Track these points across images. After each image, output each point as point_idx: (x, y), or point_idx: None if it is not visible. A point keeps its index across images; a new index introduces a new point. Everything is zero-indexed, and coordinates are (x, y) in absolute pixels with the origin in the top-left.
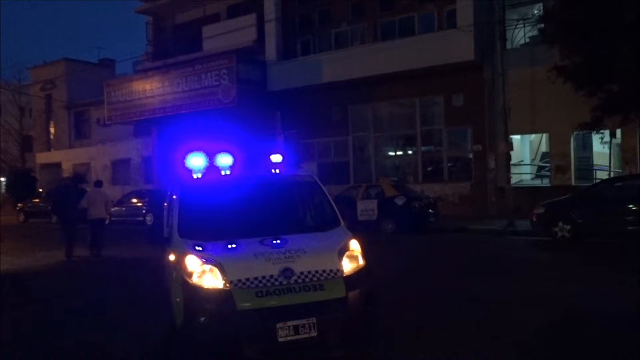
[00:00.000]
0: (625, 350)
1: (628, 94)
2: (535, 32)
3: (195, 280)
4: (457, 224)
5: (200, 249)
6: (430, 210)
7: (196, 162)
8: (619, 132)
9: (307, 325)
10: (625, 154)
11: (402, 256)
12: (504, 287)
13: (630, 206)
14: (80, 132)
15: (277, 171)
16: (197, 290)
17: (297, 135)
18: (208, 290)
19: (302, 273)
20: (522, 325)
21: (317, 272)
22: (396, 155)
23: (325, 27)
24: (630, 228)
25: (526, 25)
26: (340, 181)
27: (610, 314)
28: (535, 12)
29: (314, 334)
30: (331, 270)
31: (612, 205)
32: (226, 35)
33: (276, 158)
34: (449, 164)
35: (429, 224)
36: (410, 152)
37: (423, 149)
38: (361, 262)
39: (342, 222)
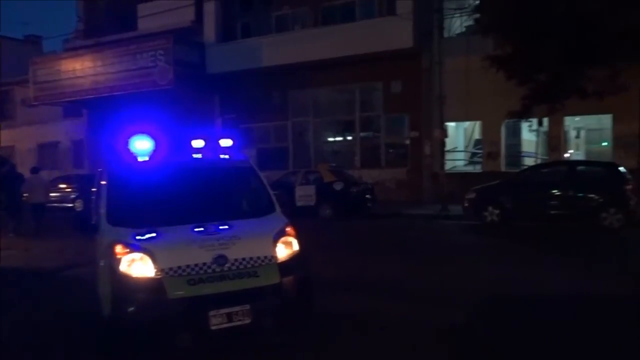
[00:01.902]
0: (556, 332)
1: (554, 84)
2: (471, 22)
3: (123, 268)
4: (393, 209)
5: (130, 236)
6: (368, 196)
7: (141, 145)
8: (545, 120)
9: (240, 312)
10: (551, 141)
11: (338, 241)
12: (435, 270)
13: (554, 191)
14: (2, 113)
15: (225, 156)
16: (125, 279)
17: (236, 120)
18: (137, 279)
19: (235, 260)
20: (454, 307)
21: (251, 258)
22: (335, 140)
23: (266, 9)
24: (553, 212)
25: (462, 14)
26: (279, 166)
27: (538, 296)
28: (471, 1)
29: (247, 320)
30: (265, 257)
31: (537, 190)
32: (162, 15)
33: (198, 143)
34: (387, 150)
35: (366, 209)
36: (349, 138)
37: (361, 134)
38: (296, 247)
39: (278, 208)
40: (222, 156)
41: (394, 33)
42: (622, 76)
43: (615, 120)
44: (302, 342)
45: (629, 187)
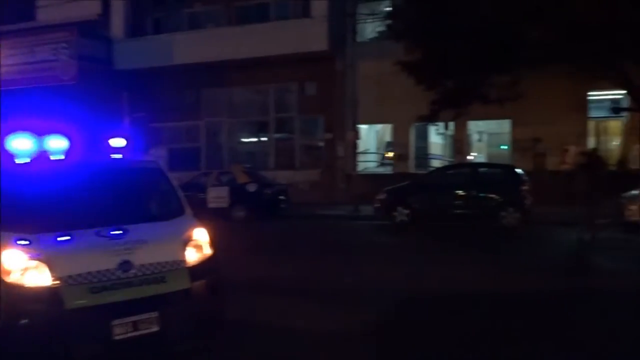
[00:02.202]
0: (468, 326)
1: (460, 90)
2: (383, 27)
3: (14, 278)
4: (307, 210)
5: (24, 242)
6: (282, 197)
7: (21, 144)
8: (452, 124)
9: (147, 320)
10: (456, 144)
11: (252, 243)
12: (348, 270)
13: (458, 192)
14: None
15: (120, 156)
16: (16, 289)
17: (146, 118)
18: (30, 288)
19: (142, 265)
20: (367, 306)
21: (158, 263)
22: (249, 141)
23: (177, 5)
24: (458, 211)
25: (375, 20)
26: (191, 167)
27: (447, 292)
28: (384, 8)
29: (155, 328)
30: (174, 261)
31: (443, 191)
32: (65, 6)
33: (118, 142)
34: (302, 151)
35: (280, 210)
36: (263, 139)
37: (276, 135)
38: (207, 251)
39: (188, 210)
40: (114, 156)
41: (309, 35)
42: (520, 84)
43: (513, 125)
44: (212, 348)
45: (526, 187)
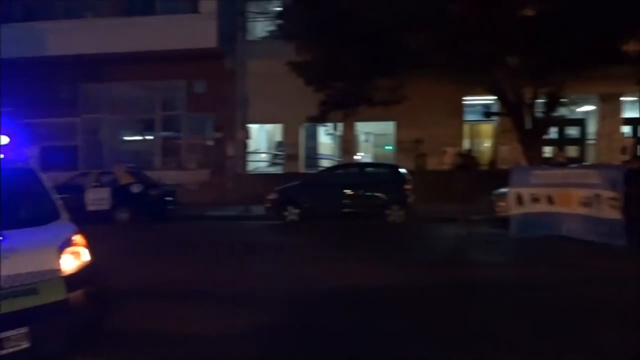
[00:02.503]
0: (362, 322)
1: (348, 92)
2: (274, 27)
3: None
4: (196, 211)
5: None
6: (169, 198)
7: None
8: (340, 125)
9: (15, 337)
10: (344, 144)
11: (137, 247)
12: (238, 271)
13: (347, 191)
14: None
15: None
16: None
17: (17, 114)
18: None
19: (9, 276)
20: (259, 306)
21: (30, 273)
22: (133, 140)
23: None
24: (346, 210)
25: (266, 19)
26: (68, 167)
27: (340, 288)
28: (274, 8)
29: (25, 345)
30: (48, 270)
31: (332, 190)
32: None
33: None
34: (189, 151)
35: (167, 212)
36: (149, 138)
37: (162, 134)
38: (86, 258)
39: (64, 214)
40: None
41: (197, 32)
42: (404, 88)
43: (398, 127)
44: None
45: (409, 186)
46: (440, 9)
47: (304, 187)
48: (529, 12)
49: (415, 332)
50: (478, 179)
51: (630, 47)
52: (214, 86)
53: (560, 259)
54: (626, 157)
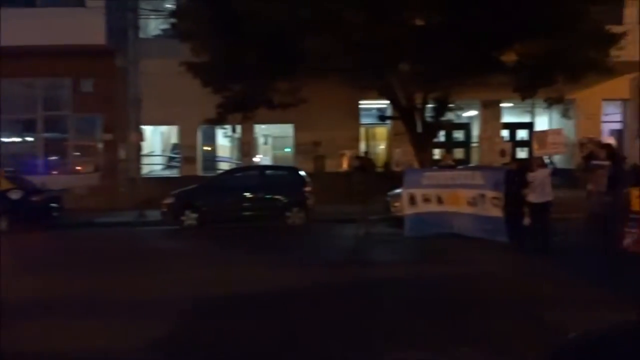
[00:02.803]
0: (267, 327)
1: (246, 94)
2: (167, 25)
3: None
4: (85, 218)
5: None
6: (53, 204)
7: None
8: (239, 127)
9: None
10: (243, 147)
11: (17, 258)
12: (133, 280)
13: (246, 194)
14: None
15: None
16: None
17: None
18: None
19: None
20: (157, 316)
21: None
22: (12, 142)
23: None
24: (246, 213)
25: (159, 17)
26: None
27: (243, 293)
28: (168, 5)
29: None
30: None
31: (231, 193)
32: None
33: None
34: (77, 153)
35: (52, 220)
36: (29, 139)
37: (46, 135)
38: None
39: None
40: None
41: (84, 27)
42: (302, 91)
43: (296, 130)
44: None
45: (308, 188)
46: (335, 15)
47: (202, 191)
48: (419, 22)
49: (316, 332)
50: (375, 180)
51: (508, 57)
52: (103, 85)
53: (451, 256)
54: (505, 160)
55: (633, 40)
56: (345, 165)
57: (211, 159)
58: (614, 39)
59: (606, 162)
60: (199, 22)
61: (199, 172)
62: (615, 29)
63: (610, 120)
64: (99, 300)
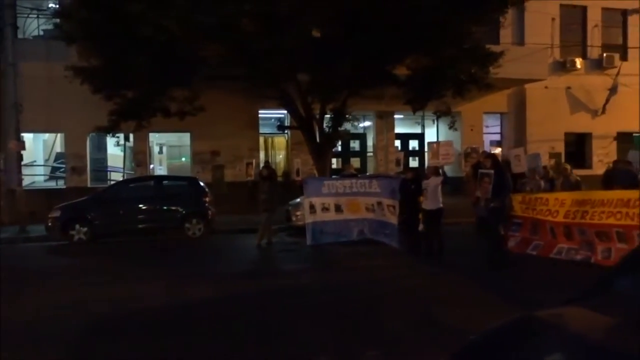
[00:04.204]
0: (161, 343)
1: (140, 102)
2: (50, 26)
3: None
4: None
5: None
6: None
7: None
8: (132, 135)
9: None
10: (137, 156)
11: None
12: (15, 303)
13: (142, 205)
14: None
15: None
16: None
17: None
18: None
19: None
20: (40, 340)
21: None
22: None
23: None
24: (142, 226)
25: (41, 16)
26: None
27: (137, 310)
28: (50, 5)
29: None
30: None
31: (126, 205)
32: None
33: None
34: None
35: None
36: None
37: None
38: None
39: None
40: None
41: None
42: (200, 99)
43: (193, 138)
44: None
45: (208, 199)
46: (231, 23)
47: (93, 203)
48: (316, 33)
49: (222, 344)
50: (278, 190)
51: (400, 71)
52: None
53: (351, 263)
54: (400, 169)
55: (509, 59)
56: (251, 174)
57: (102, 169)
58: (494, 58)
59: (491, 171)
60: (83, 24)
61: (89, 183)
62: (494, 48)
63: (491, 132)
64: None
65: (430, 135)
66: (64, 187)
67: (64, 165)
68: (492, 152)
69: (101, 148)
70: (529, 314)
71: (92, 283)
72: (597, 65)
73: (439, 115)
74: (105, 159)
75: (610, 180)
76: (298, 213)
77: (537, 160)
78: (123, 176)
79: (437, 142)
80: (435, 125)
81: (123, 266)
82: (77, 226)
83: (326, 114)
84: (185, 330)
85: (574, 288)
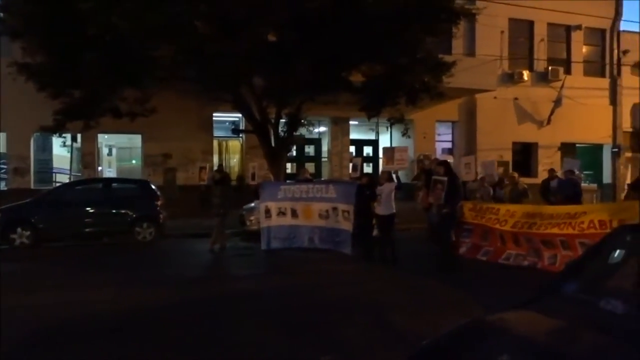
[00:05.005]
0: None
1: (89, 101)
2: None
3: None
4: None
5: None
6: None
7: None
8: (79, 136)
9: None
10: (85, 157)
11: None
12: None
13: (89, 208)
14: None
15: None
16: None
17: None
18: None
19: None
20: None
21: None
22: None
23: None
24: (89, 229)
25: None
26: None
27: (83, 318)
28: None
29: None
30: None
31: (72, 208)
32: None
33: None
34: None
35: None
36: None
37: None
38: None
39: None
40: None
41: None
42: (151, 100)
43: (144, 140)
44: None
45: (159, 202)
46: (186, 24)
47: (37, 205)
48: (272, 37)
49: (175, 352)
50: (231, 194)
51: (355, 78)
52: None
53: (306, 268)
54: (357, 174)
55: (460, 69)
56: (204, 178)
57: (47, 170)
58: (446, 67)
59: (444, 178)
60: (27, 19)
61: (32, 184)
62: (447, 58)
63: (443, 139)
64: None
65: (384, 141)
66: (6, 188)
67: (5, 166)
68: (444, 159)
69: (46, 149)
70: (479, 318)
71: (34, 290)
72: (543, 78)
73: (392, 122)
74: (50, 160)
75: (547, 189)
76: (252, 217)
77: (492, 168)
78: (70, 178)
79: (392, 148)
80: (389, 132)
81: (68, 271)
82: (19, 229)
83: (282, 118)
84: (134, 338)
85: (522, 292)
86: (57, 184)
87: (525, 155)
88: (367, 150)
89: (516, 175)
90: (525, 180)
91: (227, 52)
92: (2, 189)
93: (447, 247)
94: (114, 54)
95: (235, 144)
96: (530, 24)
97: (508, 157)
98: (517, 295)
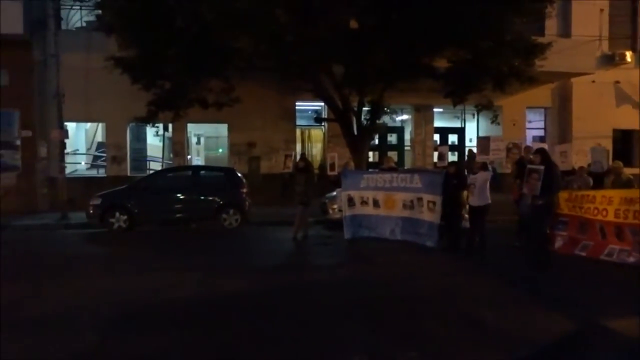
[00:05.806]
0: (196, 335)
1: (178, 92)
2: (92, 17)
3: None
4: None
5: None
6: None
7: None
8: (170, 126)
9: None
10: (175, 146)
11: None
12: (57, 289)
13: (179, 195)
14: None
15: None
16: None
17: None
18: None
19: None
20: (82, 329)
21: None
22: None
23: None
24: (179, 215)
25: (83, 7)
26: None
27: (172, 301)
28: None
29: None
30: None
31: (163, 195)
32: None
33: None
34: None
35: None
36: None
37: None
38: None
39: None
40: None
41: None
42: (236, 90)
43: (230, 130)
44: None
45: (244, 190)
46: (267, 14)
47: (132, 191)
48: (353, 24)
49: (259, 339)
50: (314, 182)
51: (439, 63)
52: (21, 78)
53: (391, 258)
54: (443, 164)
55: (554, 51)
56: (289, 165)
57: (141, 158)
58: (538, 50)
59: (541, 167)
60: (125, 16)
61: (128, 172)
62: (539, 40)
63: (534, 127)
64: (15, 313)
65: (471, 129)
66: (105, 175)
67: (105, 155)
68: (541, 147)
69: (141, 138)
70: (594, 322)
71: (133, 271)
72: None
73: (479, 109)
74: (144, 149)
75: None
76: (334, 206)
77: (603, 155)
78: (162, 166)
79: (487, 137)
80: (476, 119)
81: (160, 255)
82: (117, 214)
83: (364, 106)
84: (216, 323)
85: (624, 292)
86: (151, 172)
87: (625, 143)
88: (452, 138)
89: (621, 164)
90: (626, 171)
91: (306, 40)
92: (102, 175)
93: (541, 242)
94: (198, 46)
95: (317, 133)
96: (634, 0)
97: (607, 145)
98: (619, 295)
